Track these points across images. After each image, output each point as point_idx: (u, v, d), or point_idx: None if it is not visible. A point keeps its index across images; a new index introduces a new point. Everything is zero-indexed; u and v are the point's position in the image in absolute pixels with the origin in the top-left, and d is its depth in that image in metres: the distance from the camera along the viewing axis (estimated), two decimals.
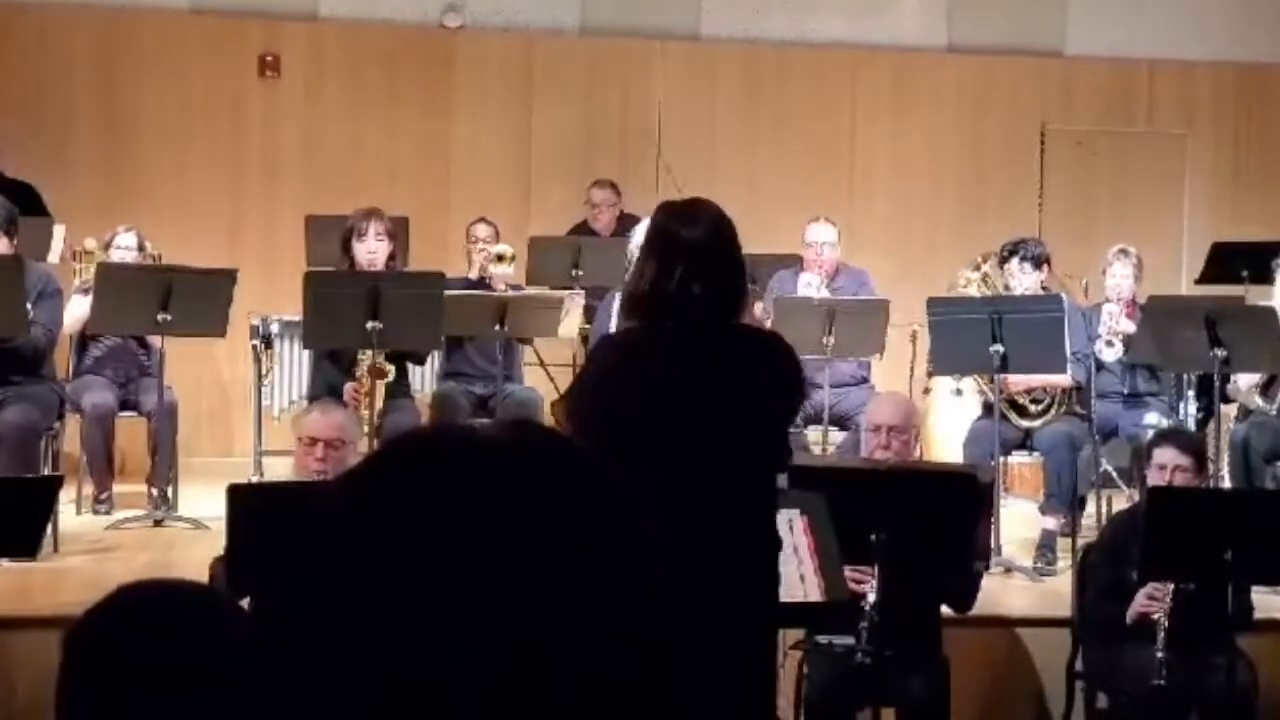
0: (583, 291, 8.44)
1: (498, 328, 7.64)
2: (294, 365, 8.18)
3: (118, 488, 7.92)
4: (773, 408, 4.05)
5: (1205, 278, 9.17)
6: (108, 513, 7.73)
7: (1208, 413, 7.78)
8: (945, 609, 5.59)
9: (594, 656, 0.90)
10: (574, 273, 8.71)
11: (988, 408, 7.65)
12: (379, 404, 7.38)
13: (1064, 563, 7.07)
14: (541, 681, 0.88)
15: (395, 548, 0.90)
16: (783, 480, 4.24)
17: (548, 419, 8.34)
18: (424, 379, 8.18)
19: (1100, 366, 7.88)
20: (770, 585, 4.06)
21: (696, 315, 3.97)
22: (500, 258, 8.17)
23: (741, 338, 4.08)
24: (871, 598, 5.00)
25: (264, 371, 8.22)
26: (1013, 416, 7.62)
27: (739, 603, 3.90)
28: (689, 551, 3.58)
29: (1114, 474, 7.92)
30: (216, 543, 5.05)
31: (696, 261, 3.97)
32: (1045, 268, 7.85)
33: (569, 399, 4.42)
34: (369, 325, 7.08)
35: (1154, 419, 7.63)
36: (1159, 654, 5.26)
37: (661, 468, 3.77)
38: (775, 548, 4.08)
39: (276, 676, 0.92)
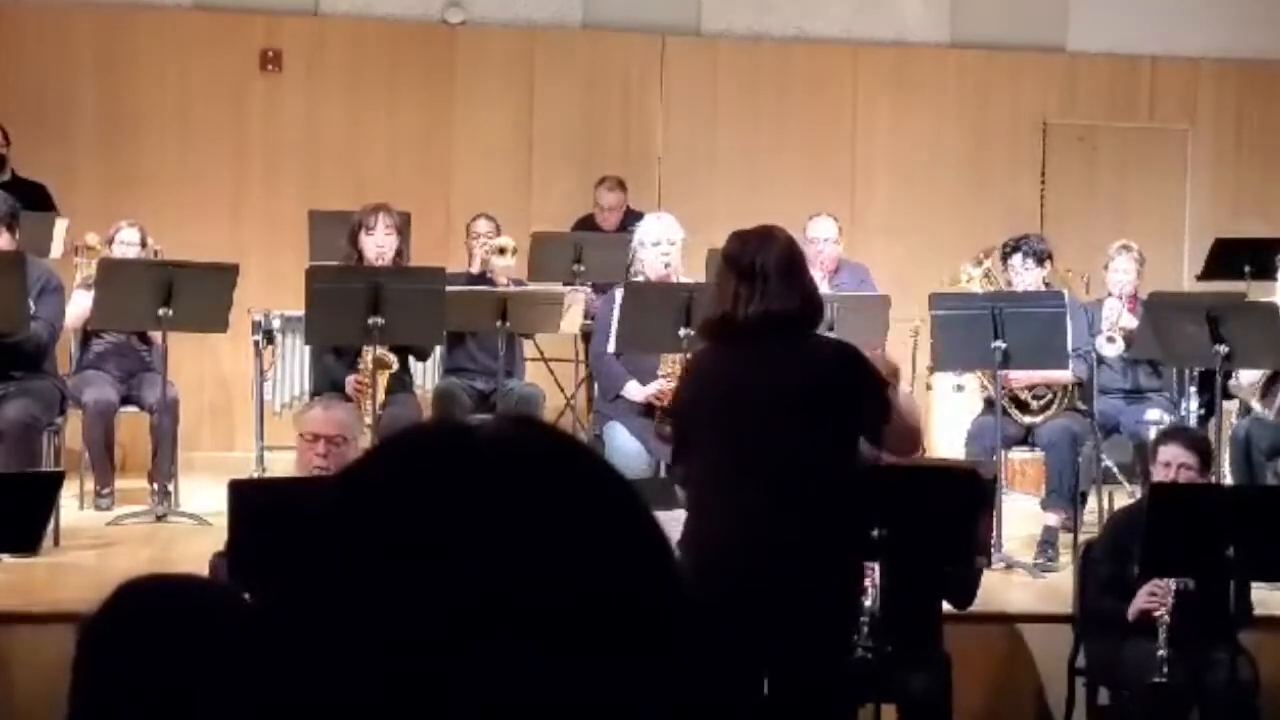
0: (584, 287, 8.44)
1: (499, 323, 7.64)
2: (295, 360, 8.18)
3: (119, 483, 7.93)
4: (836, 406, 4.39)
5: (1207, 273, 9.17)
6: (109, 508, 7.74)
7: (1209, 409, 7.77)
8: (946, 605, 5.60)
9: (593, 656, 0.90)
10: (576, 268, 8.71)
11: (989, 404, 7.65)
12: (381, 397, 7.38)
13: (1065, 559, 7.08)
14: (539, 681, 0.88)
15: (391, 545, 0.90)
16: None
17: (549, 415, 8.35)
18: (426, 374, 8.18)
19: (1101, 362, 7.88)
20: (848, 578, 4.52)
21: (759, 333, 4.39)
22: (502, 250, 8.17)
23: (802, 346, 4.46)
24: (873, 594, 5.01)
25: (265, 367, 8.22)
26: (1014, 412, 7.62)
27: (816, 597, 4.29)
28: (763, 551, 4.13)
29: (1115, 470, 7.92)
30: (218, 538, 5.06)
31: (758, 286, 4.40)
32: (1047, 264, 7.85)
33: (667, 411, 5.15)
34: (370, 321, 7.08)
35: (1155, 415, 7.63)
36: (1160, 650, 5.27)
37: (738, 471, 4.31)
38: (843, 538, 4.44)
39: (278, 671, 0.92)
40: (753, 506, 4.27)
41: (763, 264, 4.43)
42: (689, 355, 4.85)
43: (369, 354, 7.30)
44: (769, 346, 4.42)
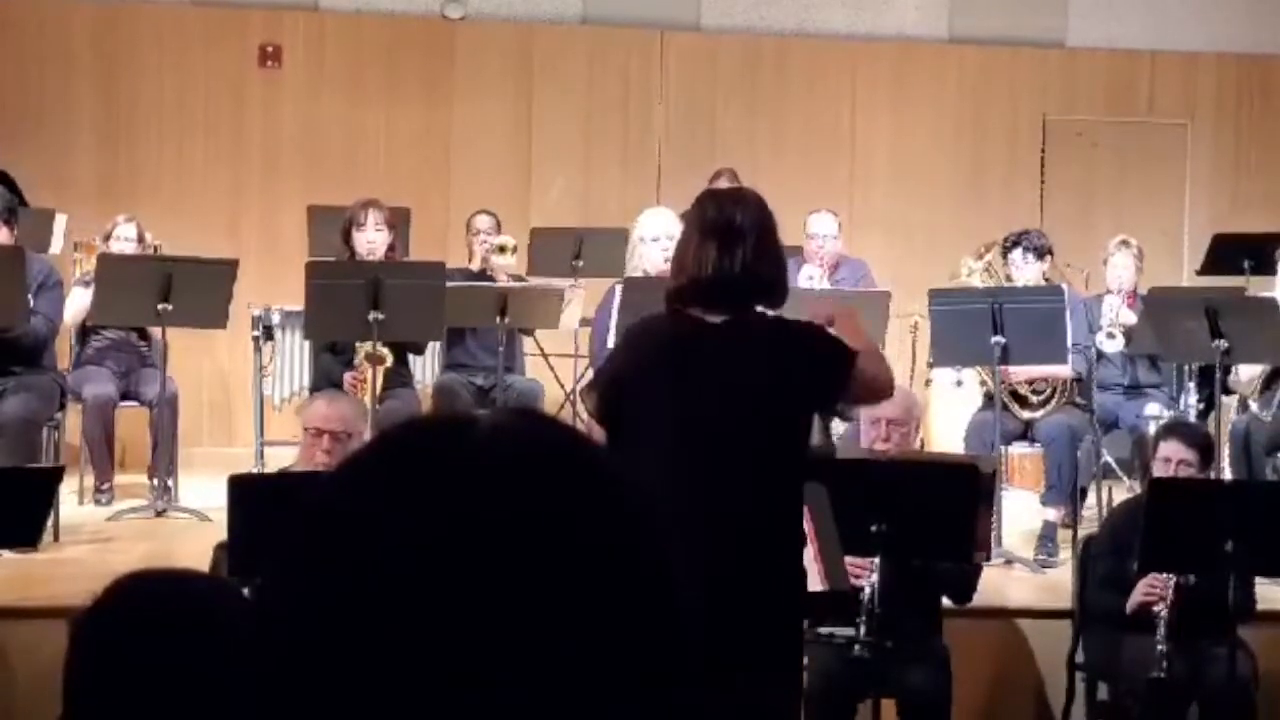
0: (584, 282, 8.44)
1: (499, 319, 7.64)
2: (295, 356, 8.17)
3: (119, 478, 7.93)
4: (798, 400, 4.08)
5: (1206, 269, 9.17)
6: (109, 503, 7.74)
7: (1208, 404, 7.77)
8: (945, 600, 5.60)
9: (592, 658, 0.89)
10: (575, 264, 8.71)
11: (989, 399, 7.64)
12: (378, 391, 7.37)
13: (1065, 554, 7.07)
14: (537, 686, 0.88)
15: (389, 537, 0.89)
16: None
17: (549, 411, 8.33)
18: (425, 370, 8.18)
19: (1101, 357, 7.88)
20: (794, 580, 4.10)
21: (735, 300, 4.04)
22: (503, 248, 8.18)
23: (774, 330, 4.11)
24: (871, 589, 5.01)
25: (265, 362, 8.22)
26: (1014, 408, 7.62)
27: (759, 599, 3.95)
28: (702, 546, 3.67)
29: (1115, 465, 7.92)
30: (218, 533, 5.06)
31: (737, 247, 4.04)
32: (1047, 259, 7.85)
33: (593, 380, 4.53)
34: (370, 316, 7.07)
35: (1155, 410, 7.63)
36: (1159, 645, 5.27)
37: (679, 462, 3.89)
38: (797, 543, 4.13)
39: (274, 666, 0.91)
40: (701, 498, 3.90)
41: (739, 225, 4.06)
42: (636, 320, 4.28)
43: (362, 350, 7.30)
44: (734, 331, 4.05)
